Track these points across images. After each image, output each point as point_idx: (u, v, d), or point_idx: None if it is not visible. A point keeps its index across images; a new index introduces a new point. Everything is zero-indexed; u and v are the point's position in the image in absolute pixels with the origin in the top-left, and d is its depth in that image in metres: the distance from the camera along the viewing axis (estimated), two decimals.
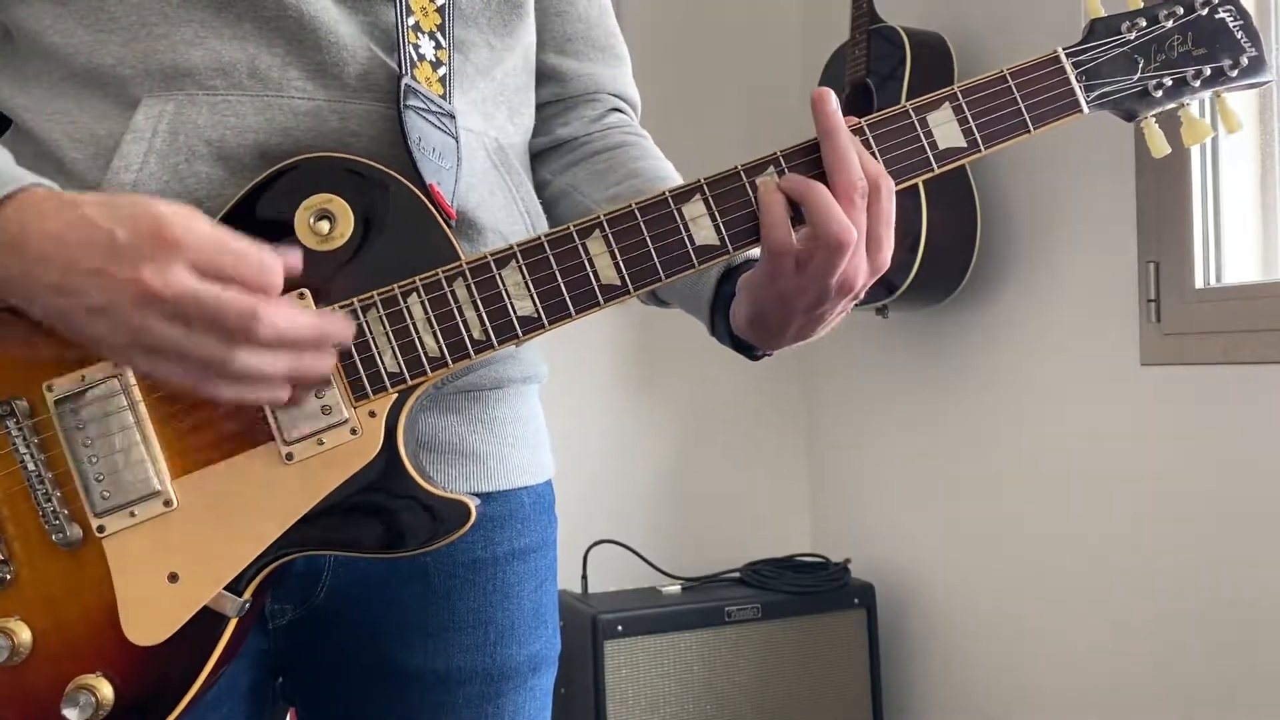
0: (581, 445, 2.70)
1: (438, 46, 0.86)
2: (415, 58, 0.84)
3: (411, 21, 0.85)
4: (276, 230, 0.79)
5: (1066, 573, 2.19)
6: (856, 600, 2.50)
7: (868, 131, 0.81)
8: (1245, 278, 1.96)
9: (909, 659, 2.60)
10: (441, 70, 0.86)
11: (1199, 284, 1.95)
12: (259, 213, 0.79)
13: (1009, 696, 2.35)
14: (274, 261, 0.72)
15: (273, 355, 0.72)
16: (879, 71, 2.30)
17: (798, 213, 0.80)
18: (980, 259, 2.31)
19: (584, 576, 2.52)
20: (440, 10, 0.87)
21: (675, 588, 2.52)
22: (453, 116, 0.86)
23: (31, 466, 0.77)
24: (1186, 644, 1.95)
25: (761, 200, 0.79)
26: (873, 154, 0.81)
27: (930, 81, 2.24)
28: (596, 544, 2.55)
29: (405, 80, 0.82)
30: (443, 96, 0.86)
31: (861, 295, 0.83)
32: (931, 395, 2.53)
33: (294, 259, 0.75)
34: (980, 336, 2.40)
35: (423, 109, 0.83)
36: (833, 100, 0.80)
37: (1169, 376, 1.98)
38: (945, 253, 2.27)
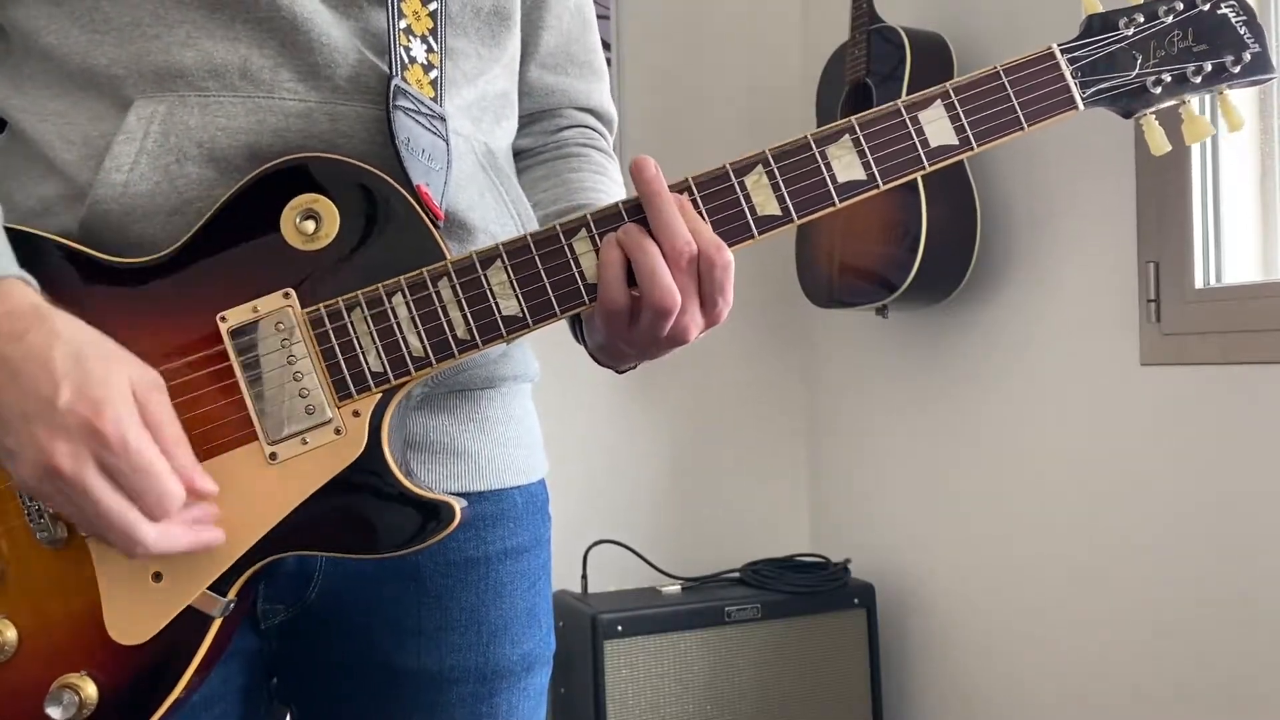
0: (581, 445, 2.70)
1: (429, 50, 0.87)
2: (406, 60, 0.84)
3: (403, 25, 0.85)
4: (263, 229, 0.79)
5: (1066, 572, 2.19)
6: (856, 600, 2.50)
7: (695, 192, 0.81)
8: (1245, 278, 1.96)
9: (909, 659, 2.59)
10: (433, 73, 0.86)
11: (1199, 284, 1.95)
12: (246, 212, 0.80)
13: (1008, 696, 2.34)
14: (173, 499, 0.72)
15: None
16: (879, 71, 2.30)
17: None
18: (980, 259, 2.31)
19: (584, 576, 2.52)
20: (432, 15, 0.87)
21: (675, 588, 2.52)
22: (444, 119, 0.86)
23: None
24: (1186, 643, 1.95)
25: (601, 256, 0.79)
26: (701, 216, 0.80)
27: (930, 81, 2.21)
28: (596, 544, 2.55)
29: (395, 81, 0.82)
30: (434, 99, 0.86)
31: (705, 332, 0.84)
32: (931, 395, 2.53)
33: (208, 485, 0.75)
34: (980, 336, 2.39)
35: (412, 110, 0.83)
36: (650, 167, 0.79)
37: (1169, 376, 1.98)
38: (945, 252, 2.27)
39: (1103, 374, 2.10)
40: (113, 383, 0.71)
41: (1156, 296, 1.99)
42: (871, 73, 2.31)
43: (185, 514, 0.74)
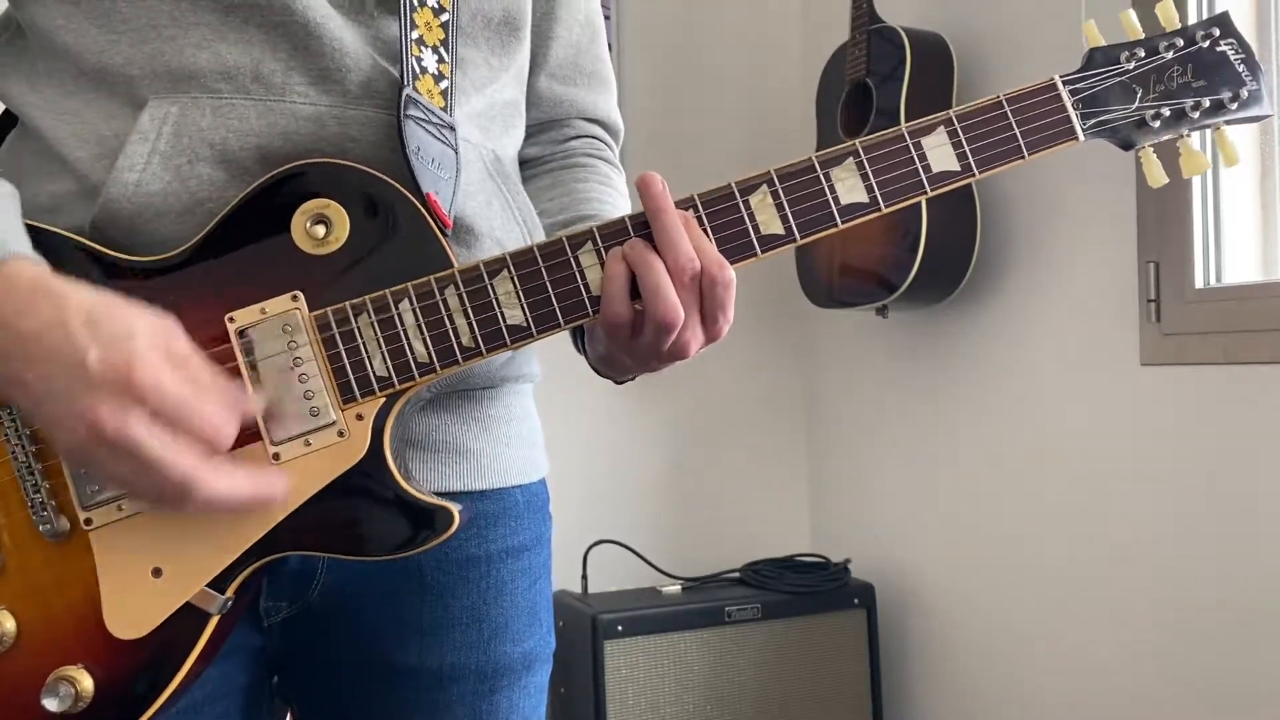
0: (582, 445, 2.70)
1: (440, 60, 0.87)
2: (417, 69, 0.85)
3: (415, 35, 0.86)
4: (273, 232, 0.80)
5: (1066, 572, 2.20)
6: (856, 600, 2.50)
7: (701, 209, 0.81)
8: (1245, 278, 1.96)
9: (909, 659, 2.60)
10: (443, 83, 0.87)
11: (1199, 284, 1.95)
12: (257, 215, 0.80)
13: (1008, 696, 2.35)
14: (229, 425, 0.73)
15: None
16: (879, 71, 2.30)
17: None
18: (980, 259, 2.31)
19: (584, 576, 2.52)
20: (444, 26, 0.88)
21: (675, 588, 2.52)
22: (453, 128, 0.87)
23: (22, 457, 0.77)
24: (1185, 643, 1.95)
25: (606, 270, 0.80)
26: (706, 233, 0.81)
27: (930, 82, 2.24)
28: (596, 544, 2.55)
29: (406, 90, 0.83)
30: (444, 109, 0.86)
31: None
32: (931, 395, 2.53)
33: (255, 406, 0.76)
34: (980, 336, 2.40)
35: (423, 119, 0.84)
36: (657, 183, 0.80)
37: (1169, 376, 1.98)
38: (945, 253, 2.27)
39: (1103, 374, 2.11)
40: (135, 333, 0.70)
41: (1156, 296, 2.00)
42: (871, 73, 2.31)
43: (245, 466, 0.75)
